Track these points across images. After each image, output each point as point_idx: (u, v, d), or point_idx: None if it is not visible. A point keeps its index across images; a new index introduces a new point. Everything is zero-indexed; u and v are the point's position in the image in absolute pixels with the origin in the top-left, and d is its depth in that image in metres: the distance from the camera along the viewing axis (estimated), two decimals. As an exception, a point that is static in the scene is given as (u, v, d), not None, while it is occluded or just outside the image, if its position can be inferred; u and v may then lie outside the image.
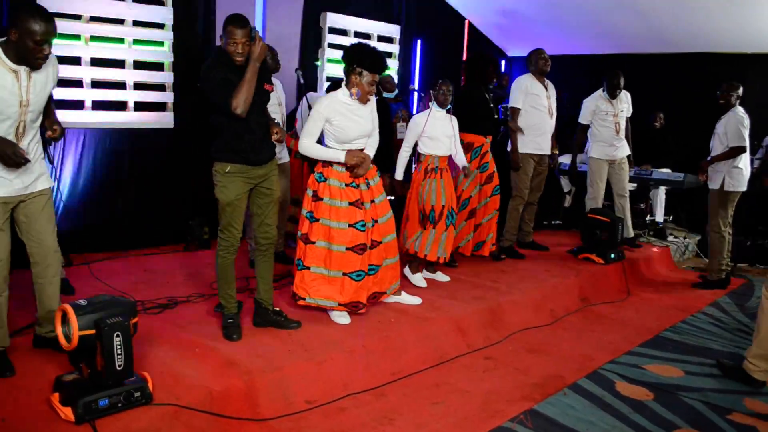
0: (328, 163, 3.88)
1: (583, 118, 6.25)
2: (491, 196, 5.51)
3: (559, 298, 5.08)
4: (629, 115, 6.30)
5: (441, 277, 5.08)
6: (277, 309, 3.88)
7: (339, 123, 3.82)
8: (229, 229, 3.59)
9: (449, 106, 4.91)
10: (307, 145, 3.84)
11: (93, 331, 2.67)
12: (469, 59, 5.79)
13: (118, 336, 2.70)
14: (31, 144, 3.10)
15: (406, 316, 4.17)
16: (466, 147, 5.34)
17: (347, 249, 3.86)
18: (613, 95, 6.08)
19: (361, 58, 3.80)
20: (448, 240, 4.80)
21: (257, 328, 3.79)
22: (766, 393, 3.70)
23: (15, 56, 2.91)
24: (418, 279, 4.86)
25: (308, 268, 3.90)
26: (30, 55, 2.91)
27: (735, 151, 5.42)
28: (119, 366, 2.71)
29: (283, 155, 5.11)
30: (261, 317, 3.84)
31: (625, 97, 6.21)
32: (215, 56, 3.49)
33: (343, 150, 3.84)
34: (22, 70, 2.94)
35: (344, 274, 3.88)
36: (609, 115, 6.11)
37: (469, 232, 5.50)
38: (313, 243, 3.89)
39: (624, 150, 6.23)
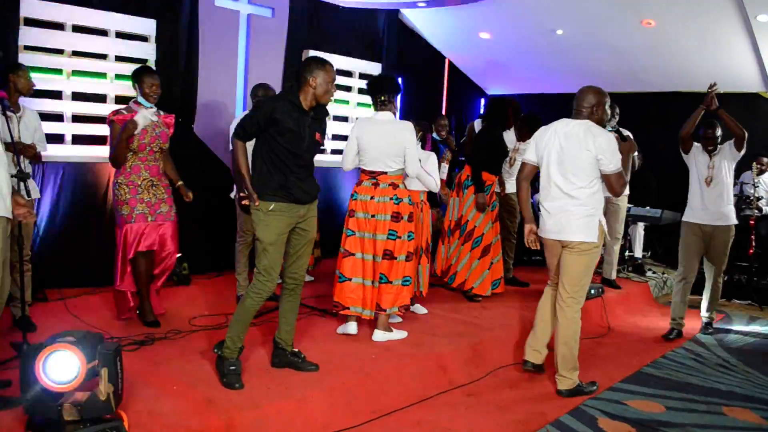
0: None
1: None
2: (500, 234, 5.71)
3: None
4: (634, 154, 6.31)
5: (419, 309, 5.11)
6: (296, 350, 3.81)
7: None
8: (269, 272, 3.50)
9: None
10: None
11: (97, 361, 2.69)
12: (494, 102, 5.94)
13: (119, 359, 2.79)
14: None
15: (388, 353, 4.13)
16: (480, 184, 5.51)
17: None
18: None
19: None
20: (424, 273, 5.02)
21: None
22: (748, 428, 3.71)
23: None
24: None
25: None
26: None
27: None
28: (120, 390, 2.79)
29: None
30: (279, 357, 3.78)
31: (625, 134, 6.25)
32: (285, 93, 3.62)
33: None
34: None
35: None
36: None
37: (485, 270, 5.52)
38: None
39: None
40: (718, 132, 5.16)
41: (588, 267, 3.90)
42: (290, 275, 3.71)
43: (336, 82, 3.60)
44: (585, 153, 3.71)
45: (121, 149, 4.18)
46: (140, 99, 4.30)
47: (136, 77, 4.32)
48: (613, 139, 3.81)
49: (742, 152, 5.10)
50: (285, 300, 3.75)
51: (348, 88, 7.41)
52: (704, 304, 5.61)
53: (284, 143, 3.45)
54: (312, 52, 6.85)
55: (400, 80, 8.04)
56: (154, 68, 4.47)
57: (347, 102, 7.49)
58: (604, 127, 3.85)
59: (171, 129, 4.45)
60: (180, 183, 4.50)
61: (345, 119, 7.47)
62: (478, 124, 6.17)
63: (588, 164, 3.74)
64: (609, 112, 3.92)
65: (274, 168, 3.48)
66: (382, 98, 4.38)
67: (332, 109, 7.25)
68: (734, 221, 5.26)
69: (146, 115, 4.24)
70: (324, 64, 3.51)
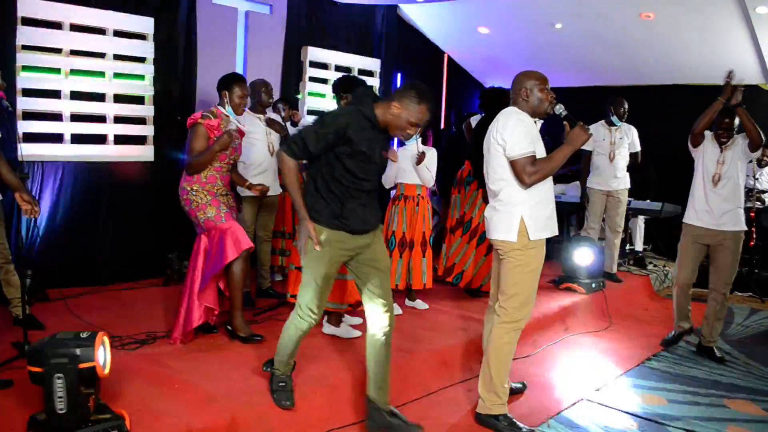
0: None
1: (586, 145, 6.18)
2: None
3: (542, 329, 5.07)
4: (635, 151, 6.29)
5: (420, 304, 5.09)
6: (394, 410, 3.26)
7: None
8: (313, 309, 3.11)
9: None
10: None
11: (41, 369, 2.58)
12: (491, 93, 5.57)
13: (60, 378, 2.57)
14: None
15: (389, 349, 4.13)
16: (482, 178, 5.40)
17: None
18: (619, 117, 6.14)
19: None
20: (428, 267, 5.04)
21: (233, 360, 3.73)
22: (750, 420, 3.71)
23: None
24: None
25: None
26: None
27: None
28: (60, 410, 2.57)
29: (275, 188, 5.05)
30: (375, 420, 3.24)
31: (627, 129, 6.24)
32: (357, 103, 3.04)
33: None
34: None
35: None
36: (605, 142, 6.16)
37: (491, 268, 5.40)
38: None
39: (621, 183, 6.24)
40: (736, 122, 4.53)
41: (518, 275, 3.39)
42: (380, 326, 3.19)
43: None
44: (492, 139, 3.35)
45: (210, 159, 3.93)
46: (227, 110, 4.07)
47: (225, 85, 4.07)
48: (520, 123, 3.30)
49: (755, 155, 4.68)
50: (375, 347, 3.22)
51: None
52: (705, 328, 4.82)
53: (352, 167, 2.94)
54: (310, 49, 6.84)
55: (399, 76, 8.08)
56: (242, 74, 4.13)
57: (346, 98, 7.47)
58: (543, 112, 3.45)
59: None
60: (249, 182, 4.29)
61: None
62: (474, 121, 6.10)
63: (496, 152, 3.33)
64: (540, 95, 3.41)
65: (328, 192, 2.98)
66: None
67: (322, 104, 7.21)
68: (744, 227, 4.63)
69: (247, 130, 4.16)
70: (421, 100, 2.94)
